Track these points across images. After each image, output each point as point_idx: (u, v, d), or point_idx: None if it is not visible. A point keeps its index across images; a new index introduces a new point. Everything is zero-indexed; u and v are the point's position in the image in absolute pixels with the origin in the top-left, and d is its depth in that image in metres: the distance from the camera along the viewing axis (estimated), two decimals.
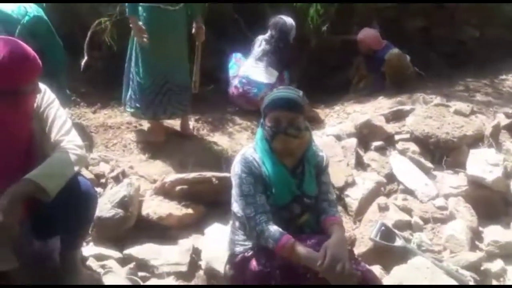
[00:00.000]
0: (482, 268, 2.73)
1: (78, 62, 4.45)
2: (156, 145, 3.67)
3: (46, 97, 2.10)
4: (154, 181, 3.22)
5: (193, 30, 3.73)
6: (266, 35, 4.60)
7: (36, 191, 1.86)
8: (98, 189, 2.98)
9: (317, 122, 4.38)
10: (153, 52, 3.53)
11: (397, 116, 3.98)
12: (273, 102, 2.15)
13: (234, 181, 2.20)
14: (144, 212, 2.90)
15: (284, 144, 2.15)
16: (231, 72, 4.66)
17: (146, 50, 3.53)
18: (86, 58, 4.47)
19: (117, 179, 3.15)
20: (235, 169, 2.20)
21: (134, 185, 2.88)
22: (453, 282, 2.38)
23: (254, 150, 2.24)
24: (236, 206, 2.22)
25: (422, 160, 3.49)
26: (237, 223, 2.27)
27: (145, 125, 3.95)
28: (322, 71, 5.48)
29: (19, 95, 1.91)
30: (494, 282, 2.70)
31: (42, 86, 2.07)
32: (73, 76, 4.33)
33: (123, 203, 2.74)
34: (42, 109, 2.08)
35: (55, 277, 2.20)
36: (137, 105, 3.65)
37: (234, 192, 2.20)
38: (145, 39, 3.45)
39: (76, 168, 2.02)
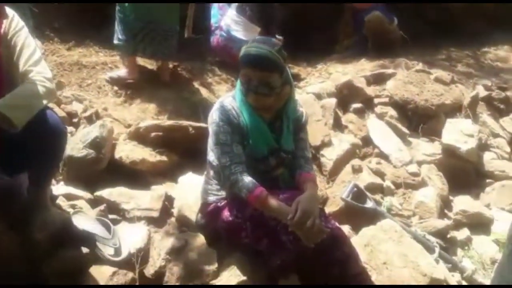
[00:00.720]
0: (448, 235, 2.81)
1: None
2: (130, 86, 3.55)
3: (14, 23, 1.98)
4: (129, 126, 3.14)
5: None
6: None
7: (2, 121, 1.78)
8: (70, 128, 2.89)
9: (296, 80, 4.31)
10: None
11: (378, 79, 3.96)
12: (244, 58, 2.07)
13: (211, 129, 2.15)
14: (117, 155, 2.83)
15: (256, 102, 2.11)
16: (213, 21, 4.48)
17: None
18: None
19: (90, 120, 3.05)
20: (213, 117, 2.14)
21: (107, 127, 2.79)
22: (420, 247, 2.42)
23: (234, 99, 2.18)
24: (212, 155, 2.18)
25: (399, 125, 3.51)
26: (211, 172, 2.25)
27: (121, 66, 3.82)
28: (307, 28, 5.35)
29: None
30: (459, 251, 2.77)
31: (9, 11, 1.94)
32: (46, 8, 4.10)
33: (95, 144, 2.67)
34: (10, 36, 1.96)
35: (23, 212, 2.15)
36: (120, 37, 3.55)
37: (211, 140, 2.16)
38: None
39: (44, 102, 1.94)
